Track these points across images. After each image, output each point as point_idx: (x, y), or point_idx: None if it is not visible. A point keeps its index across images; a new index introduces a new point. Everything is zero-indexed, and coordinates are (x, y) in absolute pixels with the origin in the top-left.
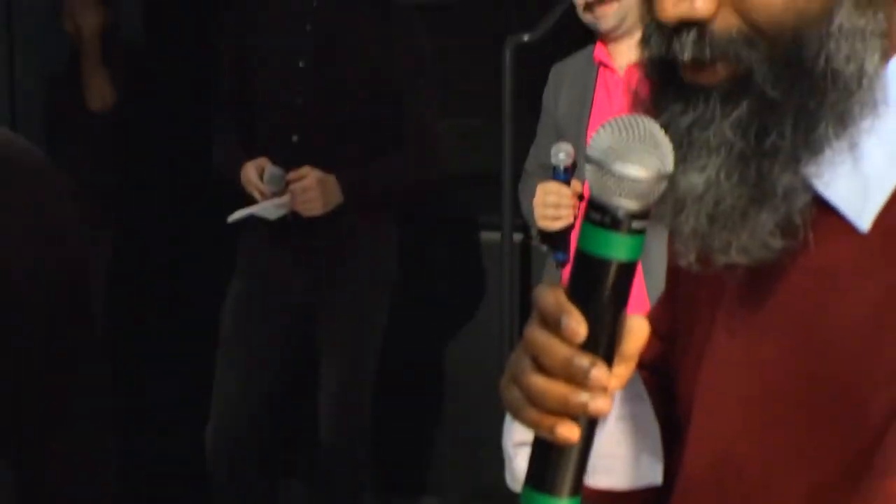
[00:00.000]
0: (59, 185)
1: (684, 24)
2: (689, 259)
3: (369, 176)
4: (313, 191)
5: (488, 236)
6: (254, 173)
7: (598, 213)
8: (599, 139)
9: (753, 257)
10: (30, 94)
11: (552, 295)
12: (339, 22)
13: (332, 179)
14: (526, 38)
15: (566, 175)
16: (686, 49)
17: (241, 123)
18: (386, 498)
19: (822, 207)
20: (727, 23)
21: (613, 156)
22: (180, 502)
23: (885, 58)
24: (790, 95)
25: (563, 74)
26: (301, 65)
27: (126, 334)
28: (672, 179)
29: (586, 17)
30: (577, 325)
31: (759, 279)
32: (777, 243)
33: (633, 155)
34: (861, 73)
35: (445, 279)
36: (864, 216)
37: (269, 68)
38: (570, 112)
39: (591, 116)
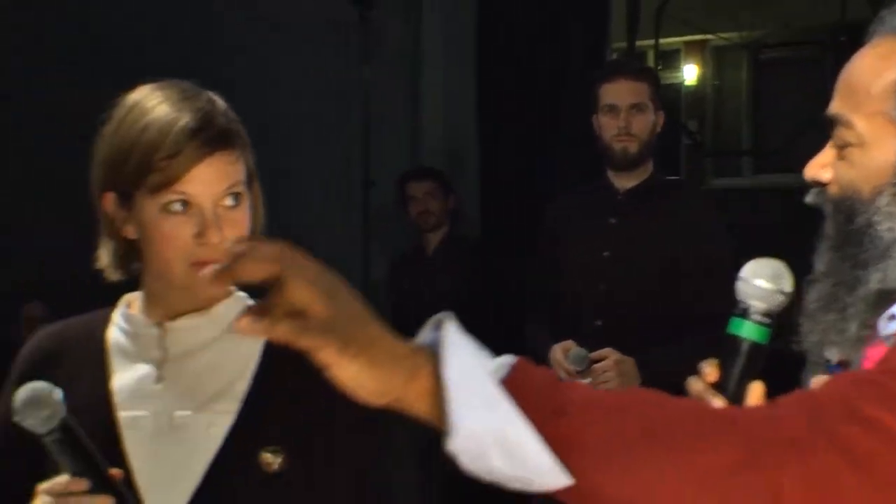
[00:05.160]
0: None
1: (815, 183)
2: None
3: (666, 360)
4: (612, 371)
5: None
6: (561, 354)
7: (738, 310)
8: (749, 266)
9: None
10: (379, 282)
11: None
12: (641, 214)
13: (630, 361)
14: None
15: (839, 368)
16: (811, 197)
17: (551, 306)
18: None
19: None
20: (832, 189)
21: (752, 275)
22: None
23: None
24: (848, 245)
25: None
26: (605, 254)
27: None
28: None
29: None
30: (712, 369)
31: None
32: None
33: (762, 276)
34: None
35: None
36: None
37: (576, 257)
38: None
39: None
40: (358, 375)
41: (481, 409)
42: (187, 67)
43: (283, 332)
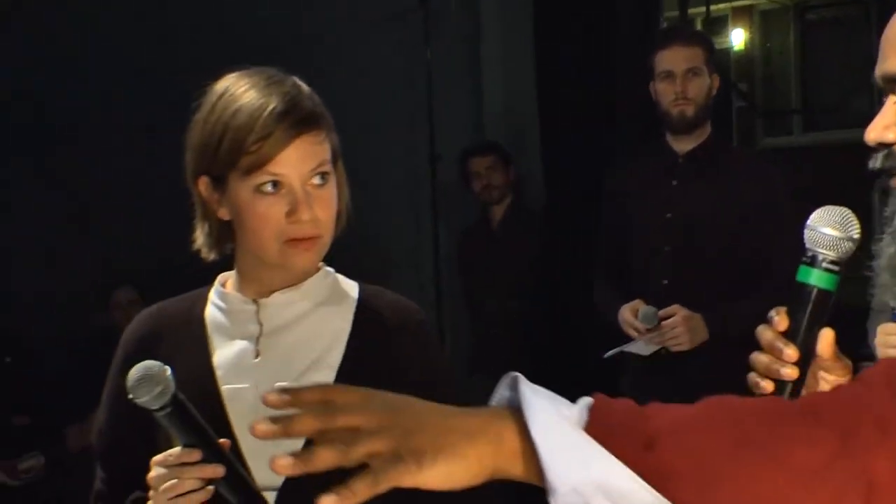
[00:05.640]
0: None
1: (881, 145)
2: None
3: (732, 315)
4: (681, 327)
5: None
6: (629, 314)
7: (807, 258)
8: (816, 214)
9: None
10: (448, 255)
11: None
12: (702, 175)
13: (698, 318)
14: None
15: None
16: (878, 162)
17: (618, 268)
18: None
19: None
20: None
21: (820, 222)
22: None
23: None
24: None
25: None
26: (668, 216)
27: None
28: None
29: None
30: (782, 317)
31: None
32: None
33: (830, 224)
34: None
35: None
36: None
37: (640, 220)
38: None
39: None
40: (448, 474)
41: (577, 464)
42: (267, 57)
43: (356, 454)
